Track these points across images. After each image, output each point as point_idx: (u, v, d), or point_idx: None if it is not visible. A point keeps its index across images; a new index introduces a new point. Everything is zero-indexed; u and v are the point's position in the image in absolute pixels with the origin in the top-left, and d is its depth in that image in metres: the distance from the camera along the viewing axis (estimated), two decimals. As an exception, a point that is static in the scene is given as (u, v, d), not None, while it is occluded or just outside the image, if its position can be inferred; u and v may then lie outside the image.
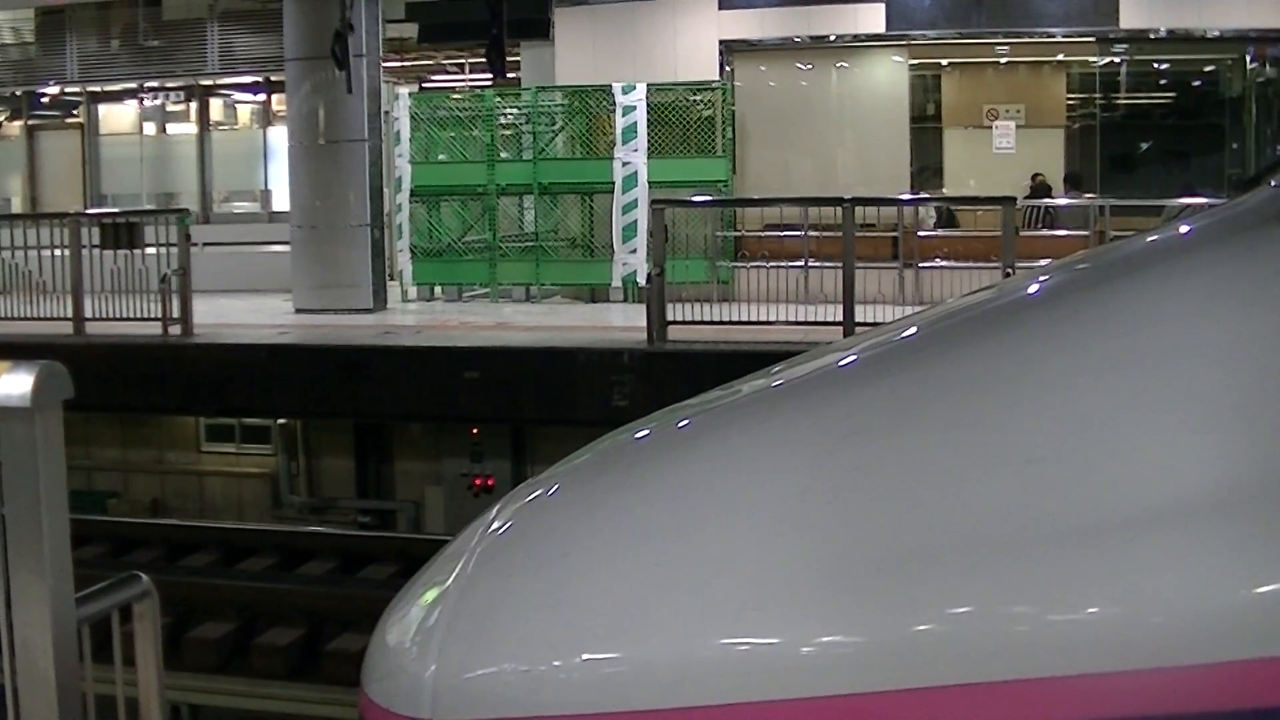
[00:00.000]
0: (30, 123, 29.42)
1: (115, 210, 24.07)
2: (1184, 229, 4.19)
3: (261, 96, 27.84)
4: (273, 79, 26.21)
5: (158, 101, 28.74)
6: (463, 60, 29.73)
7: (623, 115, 22.37)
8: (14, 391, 3.20)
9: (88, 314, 19.36)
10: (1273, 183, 3.73)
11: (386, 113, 22.90)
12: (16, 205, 28.93)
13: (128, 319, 19.07)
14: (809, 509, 3.42)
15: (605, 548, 3.51)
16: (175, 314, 18.86)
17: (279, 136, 25.41)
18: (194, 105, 28.30)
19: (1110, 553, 3.13)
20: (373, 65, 21.74)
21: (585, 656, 3.29)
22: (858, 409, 3.68)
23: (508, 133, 24.33)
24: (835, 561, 3.30)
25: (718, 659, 3.26)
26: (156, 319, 18.82)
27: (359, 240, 21.58)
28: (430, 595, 3.60)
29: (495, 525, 3.73)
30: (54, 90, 29.26)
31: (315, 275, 21.62)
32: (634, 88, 22.29)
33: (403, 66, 28.78)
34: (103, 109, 29.13)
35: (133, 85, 28.46)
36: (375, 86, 21.86)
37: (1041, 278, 4.27)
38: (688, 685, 3.24)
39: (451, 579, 3.60)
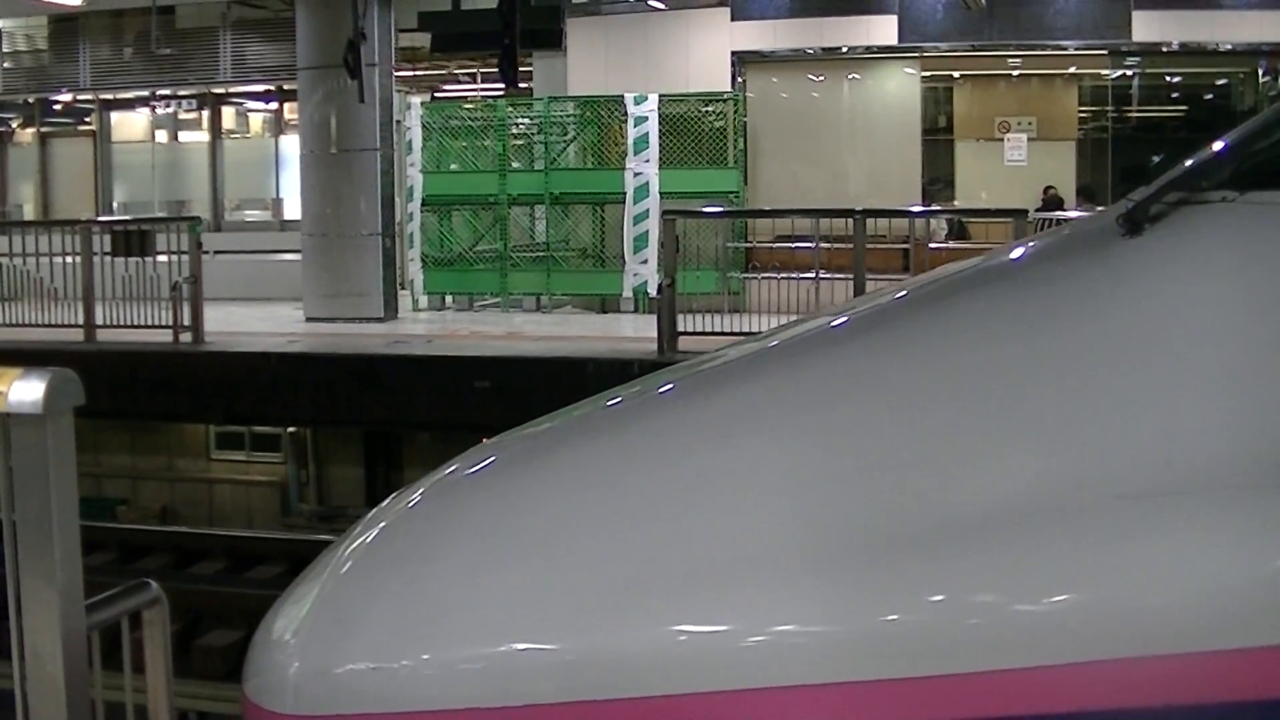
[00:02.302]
0: (43, 130, 29.47)
1: (127, 218, 24.16)
2: (1024, 247, 4.63)
3: (274, 105, 27.89)
4: (285, 87, 26.27)
5: (170, 109, 28.78)
6: (475, 70, 29.76)
7: (634, 126, 22.38)
8: (26, 398, 3.21)
9: (99, 321, 19.39)
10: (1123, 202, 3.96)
11: (398, 122, 22.91)
12: (29, 212, 28.96)
13: (139, 326, 19.11)
14: (643, 519, 3.67)
15: (456, 553, 3.74)
16: (186, 322, 18.90)
17: (291, 145, 25.47)
18: (206, 113, 28.33)
19: (935, 559, 3.37)
20: (385, 74, 21.77)
21: (432, 654, 3.48)
22: (698, 421, 3.97)
23: (519, 143, 24.35)
24: (668, 568, 3.51)
25: (554, 658, 3.48)
26: (168, 326, 18.86)
27: (370, 249, 21.60)
28: (300, 596, 3.77)
29: (364, 530, 3.96)
30: (67, 97, 29.31)
31: (326, 284, 21.64)
32: (646, 98, 22.30)
33: (415, 76, 28.82)
34: (115, 116, 29.18)
35: (145, 93, 28.52)
36: (387, 96, 21.88)
37: (896, 293, 4.58)
38: (528, 683, 3.45)
39: (318, 581, 3.80)
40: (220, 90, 27.98)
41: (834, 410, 3.84)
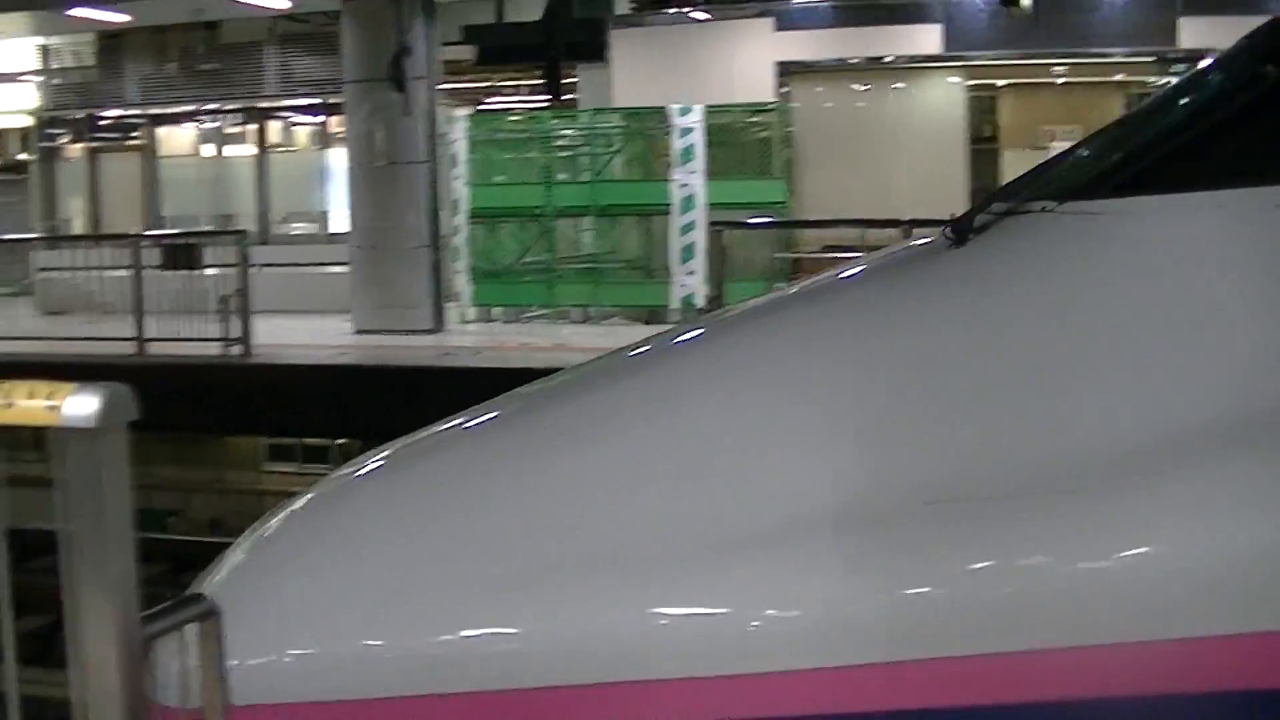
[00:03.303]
0: (92, 145, 29.63)
1: (175, 232, 24.27)
2: (875, 256, 4.95)
3: (320, 118, 27.98)
4: (331, 101, 26.34)
5: (217, 124, 28.90)
6: (519, 82, 29.82)
7: (680, 137, 22.36)
8: (80, 413, 3.23)
9: (149, 334, 19.48)
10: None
11: (444, 135, 22.97)
12: (78, 227, 29.12)
13: (188, 339, 19.20)
14: (484, 519, 3.94)
15: (364, 544, 3.97)
16: (235, 334, 18.98)
17: (337, 158, 25.57)
18: (252, 128, 28.45)
19: (746, 562, 3.59)
20: (430, 87, 21.83)
21: (324, 647, 3.71)
22: (549, 427, 4.26)
23: (565, 154, 24.37)
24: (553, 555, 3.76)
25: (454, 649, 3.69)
26: (216, 339, 18.95)
27: (418, 261, 21.66)
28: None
29: (261, 524, 4.25)
30: (115, 113, 29.46)
31: (374, 296, 21.71)
32: (691, 109, 22.28)
33: (460, 88, 28.90)
34: (162, 131, 29.34)
35: (192, 108, 28.65)
36: (433, 108, 21.94)
37: (756, 303, 4.99)
38: (427, 674, 3.63)
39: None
40: (266, 104, 28.08)
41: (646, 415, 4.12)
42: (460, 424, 4.71)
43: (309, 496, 4.46)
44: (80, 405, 3.26)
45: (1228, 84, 4.35)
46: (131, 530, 3.41)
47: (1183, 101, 4.45)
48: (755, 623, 3.60)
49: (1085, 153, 4.49)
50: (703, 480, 3.85)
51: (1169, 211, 3.88)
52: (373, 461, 4.60)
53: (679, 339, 5.12)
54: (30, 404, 3.33)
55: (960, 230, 4.19)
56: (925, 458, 3.68)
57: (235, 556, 4.15)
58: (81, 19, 26.14)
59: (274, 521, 4.28)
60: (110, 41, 28.84)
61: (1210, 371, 3.65)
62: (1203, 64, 4.59)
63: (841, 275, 4.82)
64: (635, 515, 3.84)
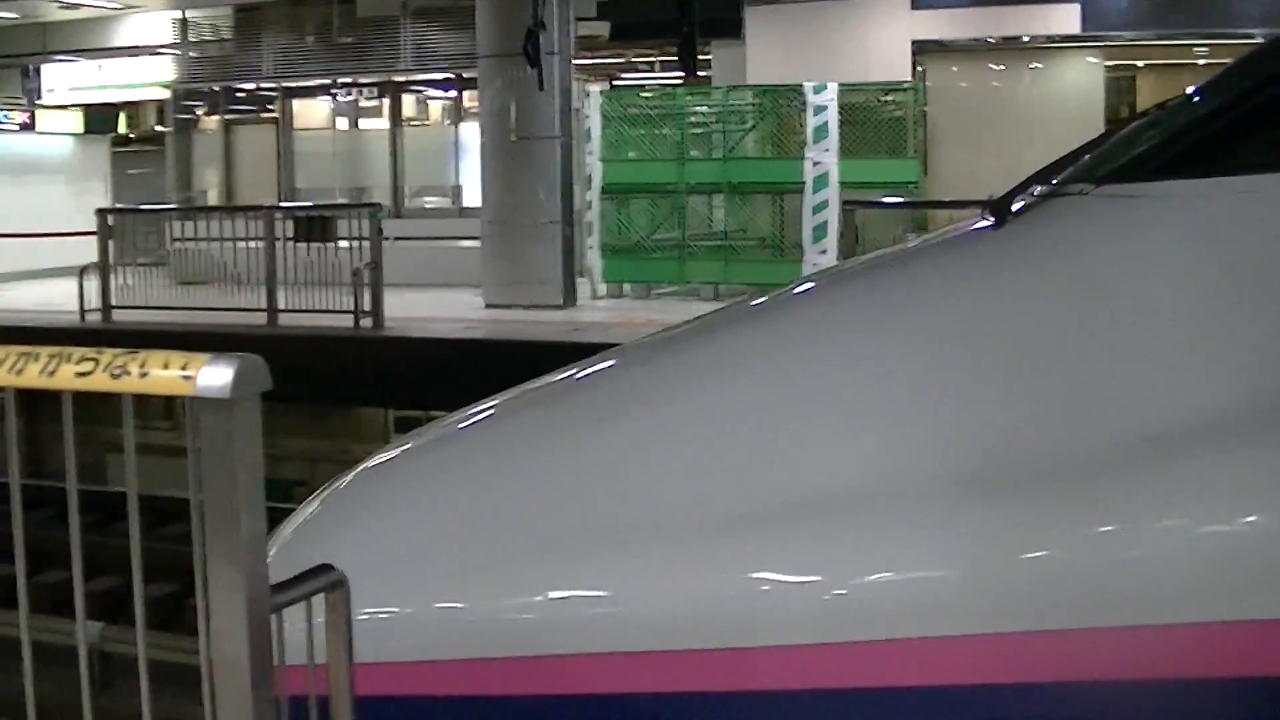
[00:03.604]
0: (227, 118, 29.91)
1: (309, 204, 24.46)
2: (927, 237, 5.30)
3: (453, 93, 28.09)
4: (464, 76, 26.44)
5: (351, 97, 29.09)
6: (653, 58, 29.81)
7: (814, 115, 22.25)
8: (214, 383, 3.25)
9: (281, 306, 19.66)
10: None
11: (577, 110, 23.00)
12: (213, 198, 29.42)
13: (320, 311, 19.37)
14: (586, 479, 4.11)
15: (469, 504, 4.19)
16: (367, 307, 19.12)
17: (470, 133, 25.66)
18: (386, 101, 28.61)
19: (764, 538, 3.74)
20: (564, 63, 21.87)
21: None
22: (636, 390, 4.49)
23: (698, 131, 24.34)
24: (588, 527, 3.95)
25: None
26: (349, 312, 19.11)
27: (550, 237, 21.73)
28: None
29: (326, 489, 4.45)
30: (250, 86, 29.72)
31: (506, 271, 21.79)
32: (825, 87, 22.17)
33: (593, 64, 28.91)
34: (297, 104, 29.57)
35: (326, 81, 28.84)
36: (566, 84, 21.98)
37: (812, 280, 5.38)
38: (532, 635, 3.82)
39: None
40: (400, 78, 28.22)
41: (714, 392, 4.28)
42: (547, 387, 4.98)
43: (395, 460, 4.68)
44: (214, 376, 3.28)
45: (1264, 71, 4.42)
46: (263, 500, 3.44)
47: (1222, 87, 4.46)
48: (863, 589, 3.66)
49: (1125, 136, 4.60)
50: (789, 444, 3.98)
51: (1202, 195, 3.99)
52: (457, 423, 4.84)
53: (752, 308, 5.24)
54: (165, 374, 3.35)
55: (999, 212, 4.33)
56: (952, 434, 3.83)
57: (322, 517, 4.40)
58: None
59: (362, 482, 4.49)
60: (247, 15, 29.10)
61: (1238, 355, 3.74)
62: (1245, 53, 4.67)
63: (892, 254, 5.17)
64: (732, 478, 3.93)
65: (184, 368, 3.30)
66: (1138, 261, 3.98)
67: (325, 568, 3.75)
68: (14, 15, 30.02)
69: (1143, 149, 4.38)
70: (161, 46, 32.24)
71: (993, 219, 4.34)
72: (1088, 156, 4.46)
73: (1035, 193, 4.27)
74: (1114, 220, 4.04)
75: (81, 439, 3.87)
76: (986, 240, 4.37)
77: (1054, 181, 4.30)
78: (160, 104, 34.30)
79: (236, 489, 3.34)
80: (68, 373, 3.52)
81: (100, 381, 3.46)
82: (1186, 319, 3.84)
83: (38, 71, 36.59)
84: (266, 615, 3.48)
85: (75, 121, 32.93)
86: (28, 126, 31.68)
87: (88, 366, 3.47)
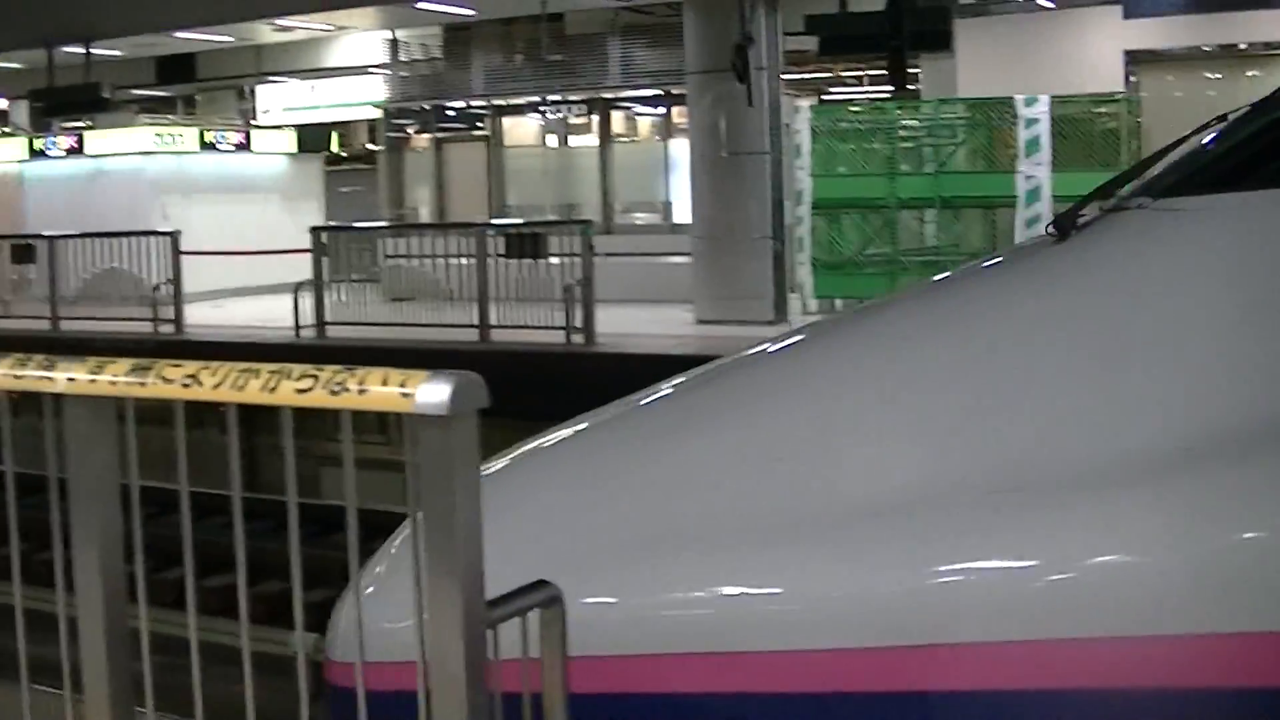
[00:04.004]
0: (438, 135, 30.21)
1: (520, 221, 24.65)
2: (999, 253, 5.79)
3: (662, 109, 28.14)
4: (673, 92, 26.49)
5: (560, 114, 29.25)
6: (861, 72, 29.69)
7: (1025, 128, 22.02)
8: (432, 400, 3.29)
9: (492, 322, 19.83)
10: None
11: (786, 125, 22.97)
12: (424, 215, 29.72)
13: (532, 327, 19.51)
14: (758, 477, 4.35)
15: (646, 499, 4.45)
16: (578, 323, 19.23)
17: (679, 148, 25.70)
18: (596, 118, 28.74)
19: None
20: (773, 78, 21.87)
21: None
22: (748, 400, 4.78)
23: (908, 145, 24.17)
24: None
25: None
26: (560, 328, 19.22)
27: (760, 252, 21.73)
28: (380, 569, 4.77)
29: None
30: (460, 104, 30.00)
31: (717, 286, 21.82)
32: (1037, 100, 21.92)
33: (802, 79, 28.84)
34: (507, 122, 29.78)
35: (536, 99, 29.03)
36: (775, 99, 21.98)
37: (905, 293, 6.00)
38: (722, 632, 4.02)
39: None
40: (609, 95, 28.34)
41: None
42: (690, 387, 5.36)
43: (534, 461, 5.07)
44: (433, 392, 3.32)
45: None
46: (480, 517, 3.46)
47: (1273, 103, 4.70)
48: (1054, 586, 3.70)
49: (1183, 151, 4.81)
50: (948, 436, 4.16)
51: (1253, 207, 4.25)
52: (597, 427, 5.25)
53: (852, 319, 5.82)
54: (384, 390, 3.39)
55: (1062, 226, 4.64)
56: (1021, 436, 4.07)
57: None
58: (429, 12, 26.68)
59: (508, 481, 4.81)
60: (456, 34, 29.39)
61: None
62: None
63: (969, 268, 5.53)
64: (899, 475, 4.10)
65: (402, 384, 3.34)
66: (1191, 272, 4.23)
67: (541, 584, 3.77)
68: (230, 38, 30.61)
69: (1197, 164, 4.62)
70: (373, 66, 32.76)
71: (1056, 233, 4.63)
72: (1148, 171, 4.80)
73: (1096, 207, 4.62)
74: (1169, 233, 4.29)
75: (297, 453, 3.93)
76: (1051, 253, 4.64)
77: (1115, 196, 4.66)
78: (372, 123, 34.77)
79: (454, 505, 3.37)
80: (288, 389, 3.58)
81: (319, 398, 3.51)
82: (1233, 327, 4.06)
83: (253, 93, 37.38)
84: (482, 630, 3.51)
85: (289, 141, 33.48)
86: (243, 147, 32.26)
87: (307, 383, 3.52)
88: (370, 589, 4.49)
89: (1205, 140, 4.78)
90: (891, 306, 5.23)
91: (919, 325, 4.80)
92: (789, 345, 5.35)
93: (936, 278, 5.81)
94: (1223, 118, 5.02)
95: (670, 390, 5.33)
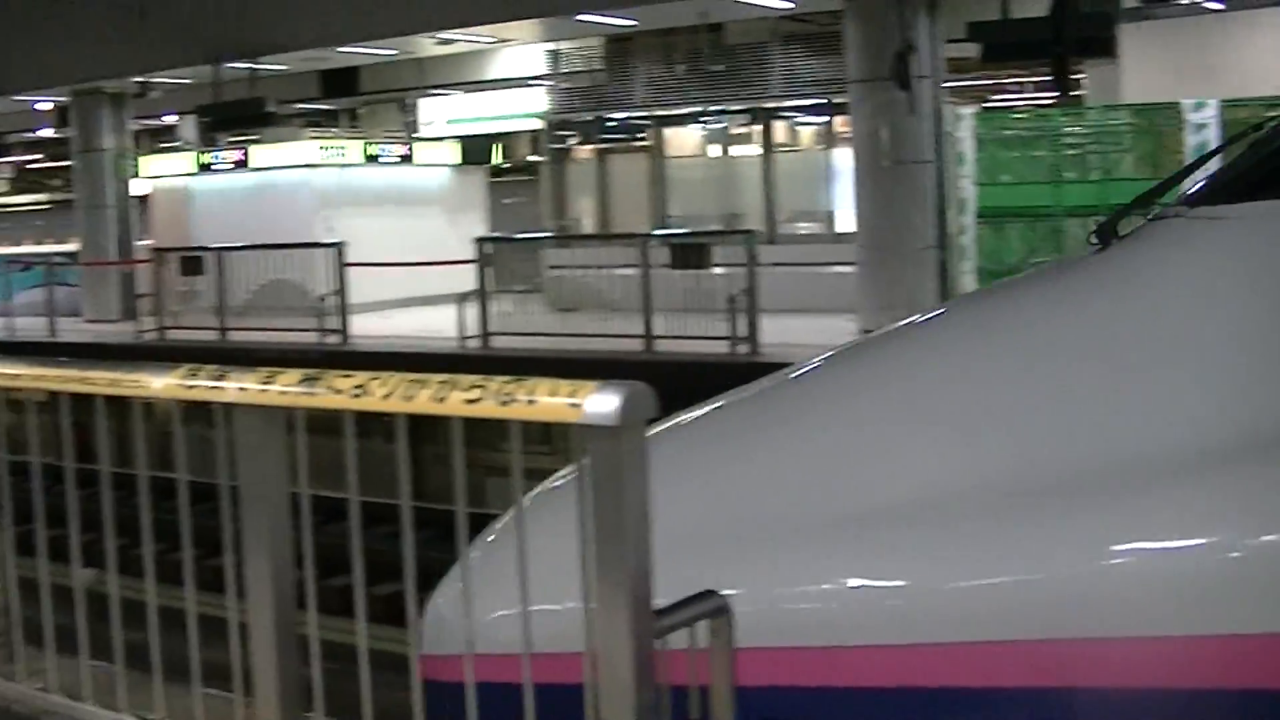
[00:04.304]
0: (600, 146, 30.28)
1: (683, 231, 24.67)
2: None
3: (824, 118, 28.03)
4: (835, 101, 26.38)
5: (722, 124, 29.21)
6: (1023, 79, 29.43)
7: (1193, 133, 21.71)
8: (601, 410, 3.30)
9: (656, 332, 19.86)
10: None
11: (949, 133, 22.81)
12: (587, 226, 29.82)
13: (695, 337, 19.51)
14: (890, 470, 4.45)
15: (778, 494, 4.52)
16: (742, 333, 19.22)
17: (842, 157, 25.59)
18: (758, 128, 28.67)
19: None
20: (935, 85, 21.74)
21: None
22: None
23: (1073, 153, 23.90)
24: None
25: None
26: (724, 338, 19.21)
27: (924, 261, 21.59)
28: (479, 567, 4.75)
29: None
30: (622, 115, 30.06)
31: (880, 296, 21.68)
32: (1205, 105, 21.62)
33: (964, 86, 28.63)
34: (669, 132, 29.78)
35: (698, 109, 29.02)
36: (938, 107, 21.84)
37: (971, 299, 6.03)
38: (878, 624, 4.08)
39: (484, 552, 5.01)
40: (771, 104, 28.27)
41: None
42: (812, 379, 5.49)
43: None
44: (602, 403, 3.33)
45: None
46: (649, 526, 3.46)
47: None
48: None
49: (1220, 160, 5.20)
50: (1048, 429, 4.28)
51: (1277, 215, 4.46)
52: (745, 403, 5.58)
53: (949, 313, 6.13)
54: (553, 401, 3.41)
55: (1104, 235, 4.95)
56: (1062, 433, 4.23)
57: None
58: (590, 24, 26.78)
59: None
60: (617, 45, 29.44)
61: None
62: None
63: (1035, 272, 5.99)
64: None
65: (571, 395, 3.36)
66: (1222, 277, 4.45)
67: (709, 594, 3.77)
68: (392, 52, 30.89)
69: (1231, 173, 4.88)
70: (534, 78, 32.88)
71: (1098, 242, 4.95)
72: (1176, 183, 5.14)
73: (1134, 216, 4.95)
74: (1202, 240, 4.54)
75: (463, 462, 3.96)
76: (1094, 261, 4.95)
77: (1153, 206, 5.00)
78: (534, 134, 34.95)
79: (624, 514, 3.37)
80: (457, 399, 3.61)
81: (488, 408, 3.54)
82: (1260, 330, 4.24)
83: (415, 105, 37.69)
84: (651, 640, 3.51)
85: (452, 153, 33.72)
86: (406, 159, 32.52)
87: (476, 394, 3.55)
88: (471, 583, 4.44)
89: (1239, 151, 5.07)
90: (976, 304, 5.61)
91: (985, 325, 5.09)
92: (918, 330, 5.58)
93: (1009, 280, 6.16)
94: (1259, 126, 5.32)
95: (810, 370, 5.55)
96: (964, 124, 23.24)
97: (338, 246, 25.21)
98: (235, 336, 25.66)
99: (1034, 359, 4.60)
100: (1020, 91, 30.48)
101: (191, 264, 28.34)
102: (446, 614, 4.78)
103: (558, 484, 5.01)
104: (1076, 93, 24.31)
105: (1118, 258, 4.82)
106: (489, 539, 5.16)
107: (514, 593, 4.00)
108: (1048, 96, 25.44)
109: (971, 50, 22.96)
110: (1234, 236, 4.45)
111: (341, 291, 24.68)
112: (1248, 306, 4.31)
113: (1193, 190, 4.83)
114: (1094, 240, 4.95)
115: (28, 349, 25.63)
